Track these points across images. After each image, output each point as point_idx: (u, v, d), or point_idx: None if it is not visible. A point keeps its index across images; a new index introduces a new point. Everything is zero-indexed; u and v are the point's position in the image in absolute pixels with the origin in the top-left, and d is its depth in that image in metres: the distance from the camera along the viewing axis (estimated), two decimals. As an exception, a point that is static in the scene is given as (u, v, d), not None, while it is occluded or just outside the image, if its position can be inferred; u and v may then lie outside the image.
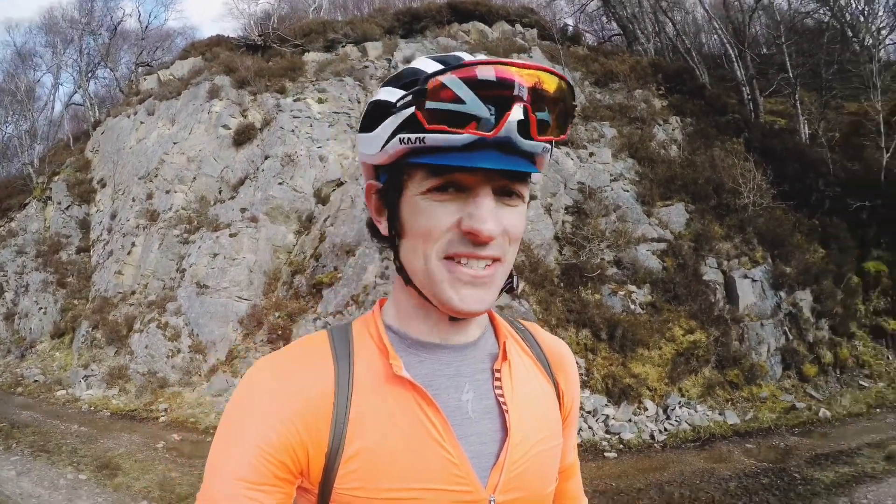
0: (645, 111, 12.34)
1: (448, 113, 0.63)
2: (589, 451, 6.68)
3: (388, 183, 0.72)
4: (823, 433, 6.81)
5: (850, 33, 14.82)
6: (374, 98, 0.72)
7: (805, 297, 9.38)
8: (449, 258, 0.68)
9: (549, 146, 0.69)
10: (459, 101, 0.63)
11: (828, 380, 8.22)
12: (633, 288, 8.71)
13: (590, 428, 7.14)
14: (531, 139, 0.65)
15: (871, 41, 14.05)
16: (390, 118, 0.67)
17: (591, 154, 10.78)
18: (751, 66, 13.99)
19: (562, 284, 8.47)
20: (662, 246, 9.57)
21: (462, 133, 0.62)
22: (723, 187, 10.67)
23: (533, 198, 9.45)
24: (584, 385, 7.49)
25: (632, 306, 8.43)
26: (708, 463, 6.12)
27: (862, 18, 14.79)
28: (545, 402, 0.80)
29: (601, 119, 11.66)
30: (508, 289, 0.75)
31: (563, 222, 9.55)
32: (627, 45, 17.43)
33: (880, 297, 9.49)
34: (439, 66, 0.66)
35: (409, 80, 0.68)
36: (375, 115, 0.70)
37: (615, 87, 13.09)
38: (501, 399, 0.75)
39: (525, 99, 0.63)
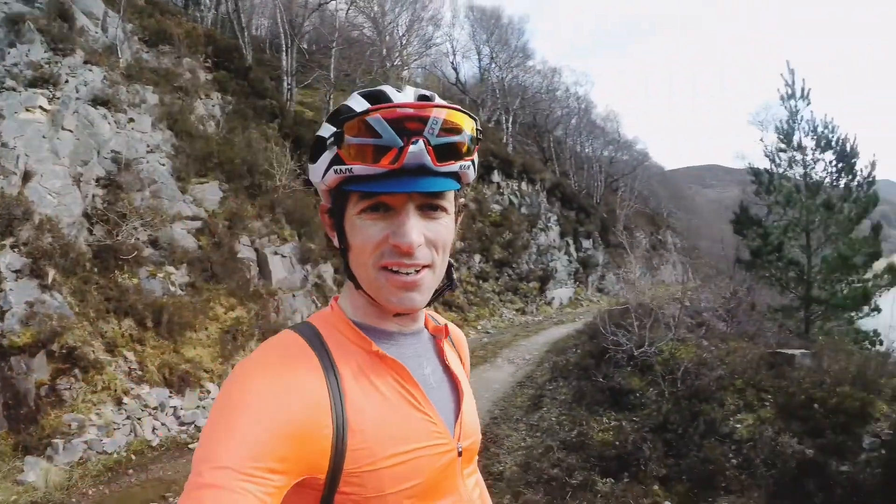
0: (190, 82, 12.09)
1: (368, 146, 0.74)
2: (173, 449, 6.56)
3: (333, 205, 0.84)
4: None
5: (385, 52, 18.71)
6: (318, 132, 0.81)
7: (327, 270, 11.64)
8: (384, 267, 0.79)
9: (467, 164, 0.81)
10: (377, 135, 0.74)
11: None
12: (171, 269, 8.69)
13: (163, 425, 6.90)
14: (442, 163, 0.76)
15: (400, 63, 18.24)
16: (326, 152, 0.79)
17: (131, 120, 9.96)
18: (295, 59, 15.69)
19: (96, 269, 7.75)
20: (198, 224, 9.71)
21: (376, 166, 0.74)
22: (256, 168, 11.56)
23: (62, 165, 8.26)
24: (140, 380, 7.17)
25: (172, 288, 8.43)
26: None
27: (399, 44, 19.09)
28: (463, 371, 1.00)
29: (145, 82, 10.81)
30: (450, 287, 0.92)
31: (94, 196, 8.62)
32: (185, 6, 16.57)
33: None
34: (366, 105, 0.77)
35: (342, 118, 0.77)
36: (317, 148, 0.81)
37: (165, 49, 12.33)
38: (450, 370, 0.93)
39: (434, 132, 0.75)
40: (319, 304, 10.58)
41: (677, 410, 6.15)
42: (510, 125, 28.97)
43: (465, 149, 0.79)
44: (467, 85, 32.54)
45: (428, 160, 0.75)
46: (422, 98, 0.80)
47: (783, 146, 11.54)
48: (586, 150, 39.08)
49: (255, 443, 0.65)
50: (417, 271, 0.79)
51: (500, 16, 32.86)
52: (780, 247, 11.35)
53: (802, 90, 11.32)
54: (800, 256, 10.92)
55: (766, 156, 12.20)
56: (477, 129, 0.82)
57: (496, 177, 22.14)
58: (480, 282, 17.73)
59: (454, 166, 0.78)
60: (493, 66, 31.69)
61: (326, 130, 0.79)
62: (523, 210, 22.86)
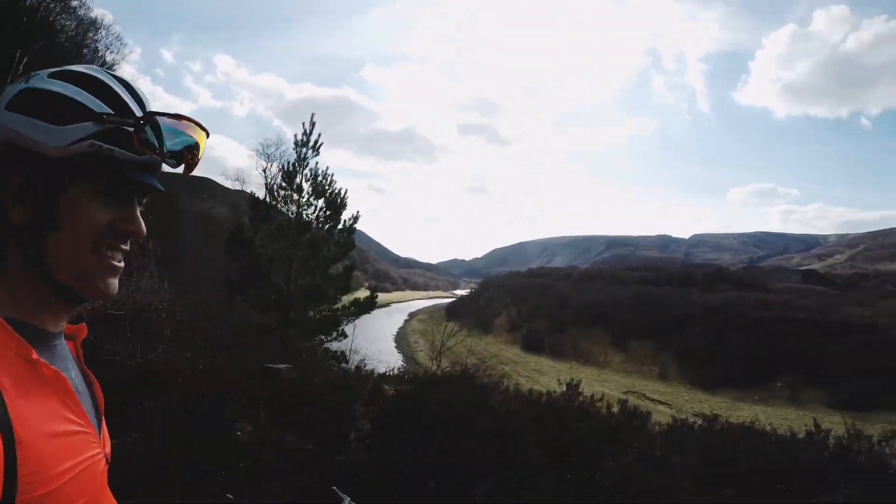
0: None
1: (144, 140, 0.79)
2: None
3: (53, 175, 0.76)
4: None
5: None
6: (50, 89, 0.77)
7: None
8: (98, 252, 0.78)
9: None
10: (154, 134, 0.80)
11: None
12: None
13: None
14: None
15: None
16: (89, 123, 0.77)
17: None
18: None
19: None
20: None
21: (144, 155, 0.79)
22: None
23: None
24: None
25: None
26: None
27: None
28: None
29: None
30: None
31: None
32: None
33: None
34: (134, 100, 0.82)
35: (113, 100, 0.80)
36: (65, 111, 0.76)
37: None
38: (87, 373, 0.93)
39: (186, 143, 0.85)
40: None
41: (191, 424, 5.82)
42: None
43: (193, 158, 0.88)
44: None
45: (165, 164, 0.84)
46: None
47: (285, 185, 12.82)
48: None
49: None
50: (122, 258, 0.82)
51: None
52: (267, 272, 12.55)
53: (315, 142, 12.89)
54: (282, 283, 12.34)
55: (267, 188, 13.42)
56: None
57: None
58: None
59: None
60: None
61: (87, 100, 0.78)
62: None
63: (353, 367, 10.05)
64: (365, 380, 7.90)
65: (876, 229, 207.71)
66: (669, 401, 48.42)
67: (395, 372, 10.41)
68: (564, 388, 8.38)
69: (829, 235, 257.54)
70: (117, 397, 6.34)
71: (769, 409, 45.06)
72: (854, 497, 5.26)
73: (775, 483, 5.37)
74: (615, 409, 8.79)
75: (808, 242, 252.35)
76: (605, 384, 54.00)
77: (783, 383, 50.25)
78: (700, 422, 10.45)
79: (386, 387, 7.73)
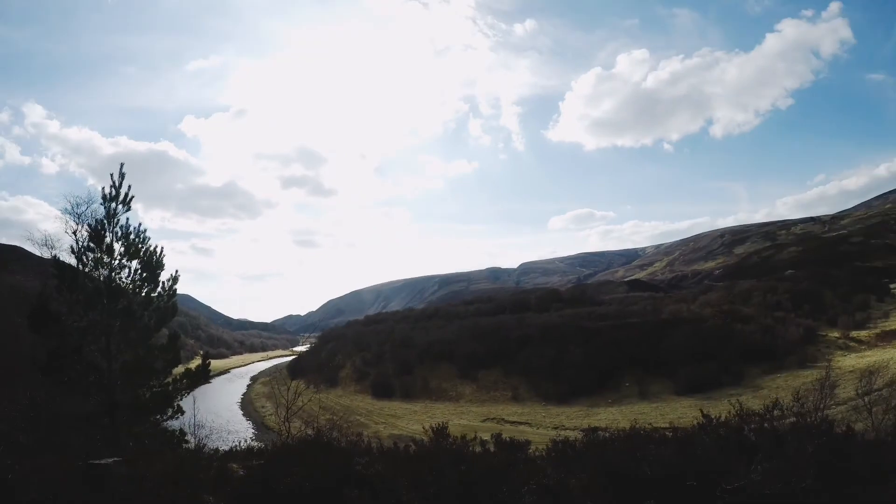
0: None
1: None
2: None
3: None
4: None
5: None
6: None
7: None
8: None
9: None
10: None
11: None
12: None
13: None
14: None
15: None
16: None
17: None
18: None
19: None
20: None
21: None
22: None
23: None
24: None
25: None
26: None
27: None
28: None
29: None
30: None
31: None
32: None
33: None
34: None
35: None
36: None
37: None
38: None
39: None
40: None
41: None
42: None
43: None
44: None
45: None
46: None
47: (93, 245, 11.35)
48: None
49: None
50: None
51: None
52: (80, 349, 10.89)
53: (126, 195, 11.59)
54: (100, 360, 10.79)
55: (73, 252, 11.73)
56: None
57: None
58: None
59: None
60: None
61: None
62: None
63: (193, 446, 9.09)
64: (208, 462, 7.21)
65: (687, 236, 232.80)
66: (528, 419, 50.57)
67: (244, 444, 9.64)
68: (430, 433, 8.37)
69: (647, 247, 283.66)
70: None
71: (624, 409, 48.91)
72: (764, 474, 5.39)
73: (684, 483, 5.53)
74: (490, 446, 8.88)
75: (628, 256, 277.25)
76: (462, 416, 55.04)
77: (630, 382, 54.93)
78: (580, 436, 10.37)
79: (234, 466, 7.17)
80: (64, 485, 6.01)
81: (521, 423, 48.13)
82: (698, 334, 58.58)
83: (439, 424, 9.31)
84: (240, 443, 10.03)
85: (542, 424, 47.45)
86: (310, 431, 8.92)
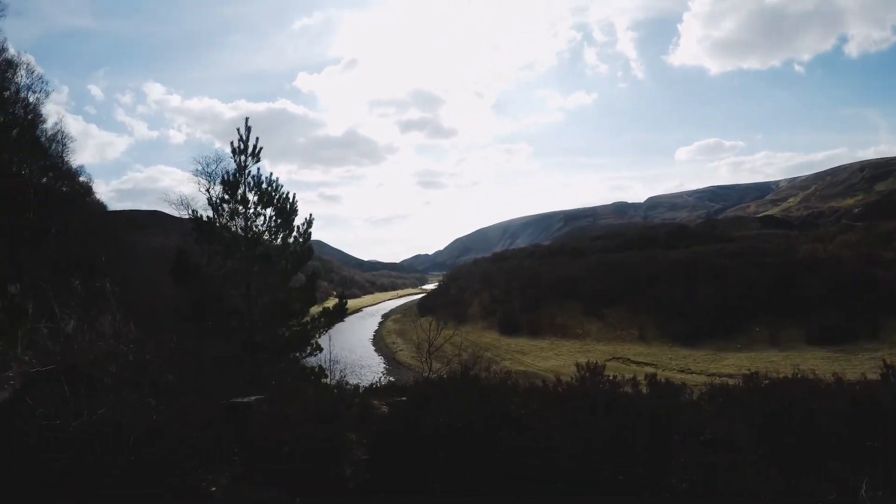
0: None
1: None
2: None
3: None
4: None
5: None
6: None
7: None
8: None
9: None
10: None
11: None
12: None
13: None
14: None
15: None
16: None
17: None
18: None
19: None
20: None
21: None
22: None
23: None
24: None
25: None
26: None
27: None
28: None
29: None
30: None
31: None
32: None
33: None
34: None
35: None
36: None
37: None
38: None
39: None
40: None
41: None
42: None
43: None
44: None
45: None
46: None
47: (227, 197, 11.49)
48: (24, 172, 29.55)
49: None
50: None
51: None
52: (222, 295, 11.29)
53: (254, 147, 11.60)
54: (240, 304, 11.10)
55: (210, 205, 12.06)
56: None
57: None
58: None
59: None
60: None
61: None
62: None
63: (333, 381, 8.97)
64: (350, 398, 6.81)
65: (822, 170, 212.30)
66: (654, 361, 48.57)
67: (382, 381, 9.41)
68: (579, 374, 7.35)
69: (780, 181, 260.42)
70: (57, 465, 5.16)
71: (753, 355, 45.83)
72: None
73: (864, 441, 4.49)
74: (643, 388, 7.74)
75: (761, 190, 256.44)
76: (587, 354, 53.89)
77: (760, 326, 51.05)
78: (736, 382, 9.32)
79: (376, 402, 6.70)
80: (207, 423, 5.88)
81: (646, 364, 46.16)
82: (835, 279, 51.93)
83: (592, 363, 8.31)
84: (379, 378, 9.89)
85: (667, 367, 45.24)
86: (447, 368, 8.42)
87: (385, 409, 6.76)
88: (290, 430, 5.50)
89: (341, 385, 8.12)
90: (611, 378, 8.73)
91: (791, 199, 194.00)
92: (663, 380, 10.87)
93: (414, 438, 4.72)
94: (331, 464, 5.11)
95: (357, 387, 7.78)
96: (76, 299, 22.30)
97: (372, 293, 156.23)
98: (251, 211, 11.62)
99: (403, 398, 7.04)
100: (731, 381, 10.33)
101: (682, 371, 43.85)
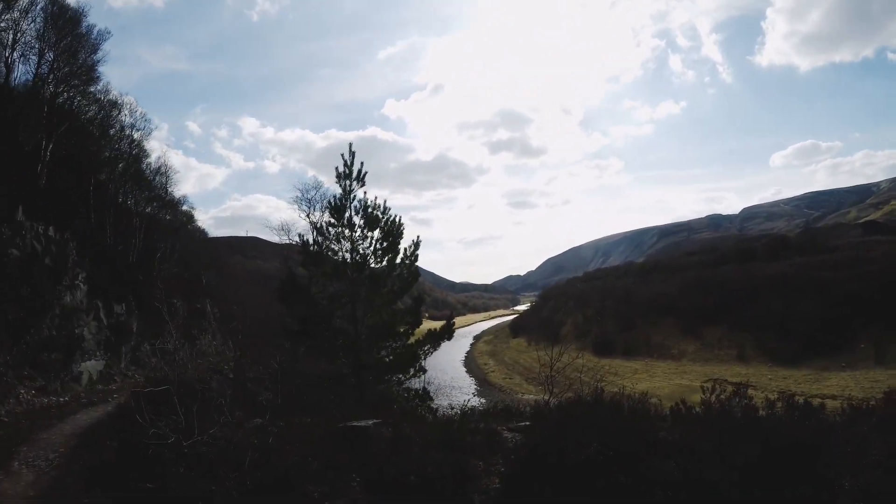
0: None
1: None
2: None
3: None
4: None
5: None
6: None
7: None
8: None
9: None
10: None
11: None
12: None
13: None
14: None
15: None
16: None
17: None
18: None
19: None
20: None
21: None
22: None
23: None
24: None
25: None
26: None
27: None
28: None
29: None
30: None
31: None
32: None
33: None
34: None
35: None
36: None
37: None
38: None
39: None
40: None
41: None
42: (48, 153, 22.12)
43: None
44: (16, 90, 23.30)
45: None
46: None
47: (334, 221, 11.73)
48: (129, 202, 32.81)
49: None
50: None
51: (80, 20, 24.71)
52: (329, 316, 11.61)
53: (359, 172, 11.80)
54: (347, 326, 11.37)
55: (315, 229, 12.49)
56: None
57: (20, 214, 16.26)
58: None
59: None
60: (52, 77, 23.68)
61: None
62: (47, 261, 17.08)
63: (453, 409, 8.80)
64: (474, 423, 6.69)
65: None
66: (752, 382, 45.23)
67: (471, 402, 9.20)
68: (705, 396, 6.85)
69: (881, 182, 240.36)
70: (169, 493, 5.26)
71: (858, 374, 42.14)
72: None
73: None
74: (778, 410, 7.16)
75: (861, 193, 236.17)
76: (683, 376, 51.12)
77: (866, 344, 46.42)
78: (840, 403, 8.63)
79: (499, 428, 6.54)
80: (323, 446, 5.89)
81: (743, 386, 42.61)
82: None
83: (716, 385, 7.73)
84: (496, 403, 9.70)
85: (766, 388, 41.56)
86: (564, 392, 8.11)
87: (507, 433, 6.57)
88: (415, 458, 5.38)
89: (464, 410, 8.01)
90: (748, 402, 8.17)
91: (894, 202, 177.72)
92: (801, 400, 10.09)
93: (561, 466, 4.51)
94: (458, 492, 4.97)
95: (473, 409, 7.65)
96: (178, 319, 23.84)
97: (464, 314, 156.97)
98: (357, 234, 11.79)
99: (526, 423, 6.83)
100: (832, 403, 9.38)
101: (782, 392, 40.49)
